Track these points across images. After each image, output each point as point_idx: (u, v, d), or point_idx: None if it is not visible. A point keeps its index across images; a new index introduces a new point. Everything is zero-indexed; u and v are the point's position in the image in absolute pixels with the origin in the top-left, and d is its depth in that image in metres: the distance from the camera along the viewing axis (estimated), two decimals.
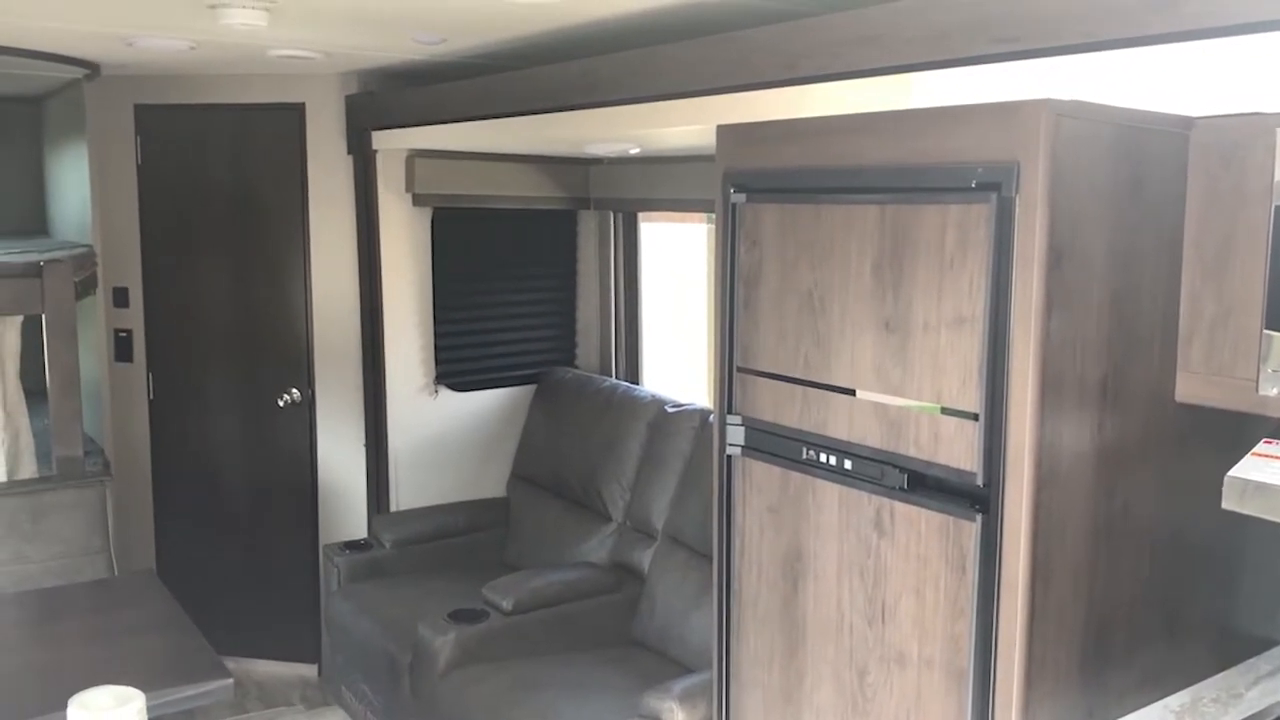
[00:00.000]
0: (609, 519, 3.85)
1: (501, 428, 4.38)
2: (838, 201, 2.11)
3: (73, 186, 4.71)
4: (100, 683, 2.07)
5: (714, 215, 2.42)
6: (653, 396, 3.93)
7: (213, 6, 2.67)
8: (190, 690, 2.54)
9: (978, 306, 1.88)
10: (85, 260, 3.96)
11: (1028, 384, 1.83)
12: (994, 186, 1.83)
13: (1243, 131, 1.88)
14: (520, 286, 4.40)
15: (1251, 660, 2.27)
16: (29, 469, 3.65)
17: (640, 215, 4.50)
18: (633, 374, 4.55)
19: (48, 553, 3.44)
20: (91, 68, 3.84)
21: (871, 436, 2.10)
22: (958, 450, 1.94)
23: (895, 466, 2.05)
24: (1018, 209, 1.81)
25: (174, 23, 2.96)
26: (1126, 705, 2.06)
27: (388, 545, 4.00)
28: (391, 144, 3.91)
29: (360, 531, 4.20)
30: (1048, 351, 1.84)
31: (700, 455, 3.50)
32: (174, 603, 3.09)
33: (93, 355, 4.29)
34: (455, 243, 4.19)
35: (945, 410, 1.96)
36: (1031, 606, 1.89)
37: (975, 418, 1.90)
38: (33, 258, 3.63)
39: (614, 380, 4.32)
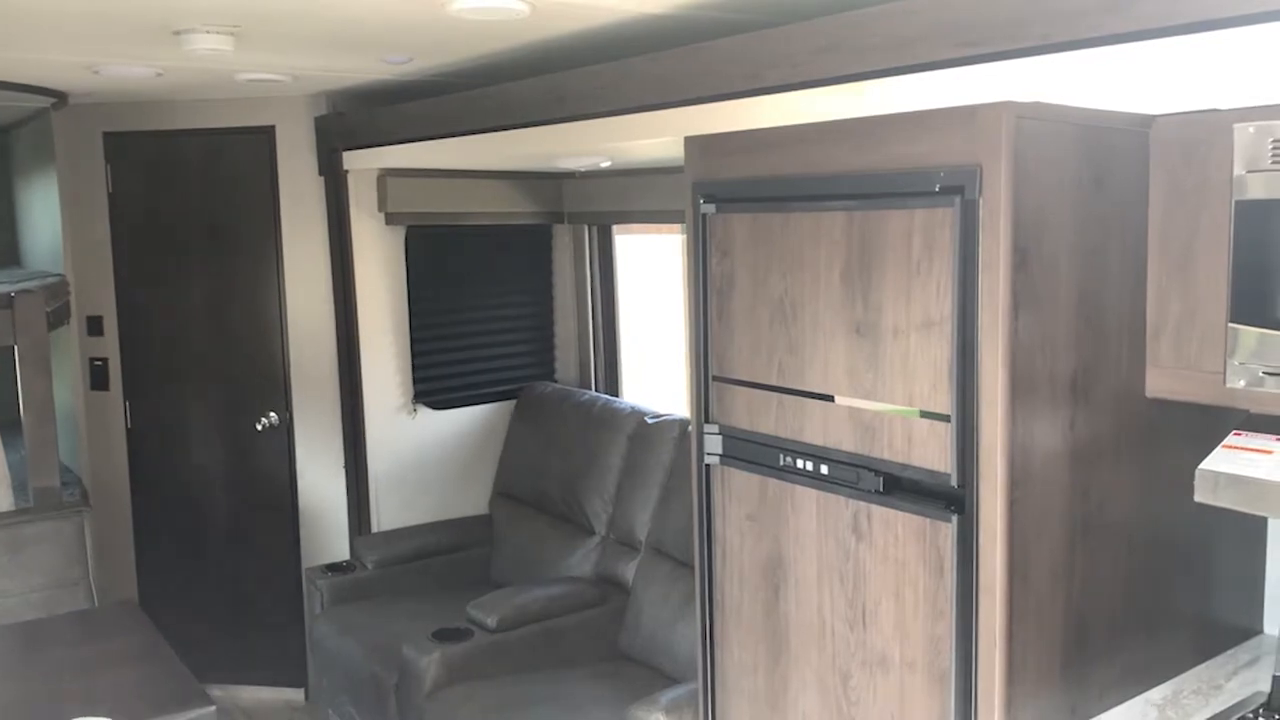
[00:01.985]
0: (592, 532, 3.84)
1: (482, 445, 4.37)
2: (805, 209, 2.13)
3: (43, 216, 4.68)
4: (81, 715, 2.06)
5: (686, 227, 2.44)
6: (632, 408, 3.93)
7: (177, 33, 2.66)
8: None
9: (946, 309, 1.90)
10: (58, 290, 3.94)
11: (998, 384, 1.85)
12: (957, 190, 1.85)
13: (1202, 128, 1.91)
14: (497, 302, 4.40)
15: (1231, 651, 2.28)
16: (5, 501, 3.62)
17: (615, 227, 4.51)
18: (612, 386, 4.56)
19: (26, 585, 3.41)
20: (58, 96, 3.83)
21: (847, 441, 2.11)
22: (931, 452, 1.96)
23: (871, 470, 2.06)
24: (982, 211, 1.83)
25: (139, 50, 2.95)
26: (1108, 700, 2.07)
27: (370, 566, 3.98)
28: (363, 164, 3.91)
29: (342, 553, 4.18)
30: (1016, 351, 1.85)
31: (681, 465, 3.51)
32: (155, 632, 3.07)
33: (68, 385, 4.27)
34: (429, 261, 4.18)
35: (919, 413, 1.97)
36: (1010, 605, 1.90)
37: (947, 419, 1.91)
38: (3, 289, 3.61)
39: (594, 393, 4.33)
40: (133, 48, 2.91)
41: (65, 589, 3.45)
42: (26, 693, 2.76)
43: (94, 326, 4.30)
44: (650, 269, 4.97)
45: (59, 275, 4.22)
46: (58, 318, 3.83)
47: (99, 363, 4.32)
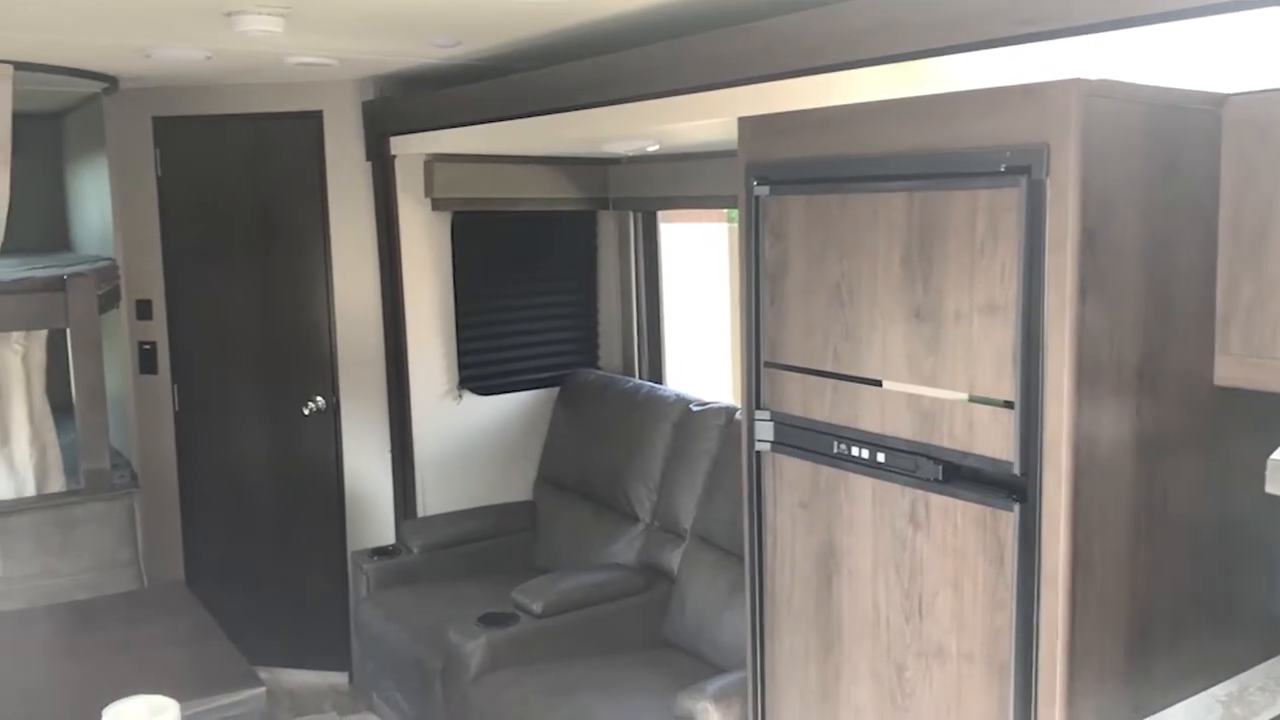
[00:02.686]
0: (636, 520, 3.82)
1: (526, 431, 4.36)
2: (864, 190, 2.09)
3: (93, 201, 4.73)
4: (133, 694, 2.07)
5: (734, 213, 2.40)
6: (677, 396, 3.90)
7: (229, 14, 2.66)
8: (223, 700, 2.54)
9: (1010, 293, 1.85)
10: (108, 274, 3.97)
11: (1063, 370, 1.80)
12: (1024, 169, 1.80)
13: (1278, 107, 1.84)
14: (541, 289, 4.38)
15: None
16: (57, 483, 3.66)
17: (660, 215, 4.47)
18: (656, 374, 4.53)
19: (77, 566, 3.44)
20: (110, 81, 3.86)
21: (904, 428, 2.07)
22: (993, 440, 1.91)
23: (929, 458, 2.02)
24: (1049, 192, 1.78)
25: (191, 32, 2.96)
26: (1172, 695, 2.02)
27: (416, 551, 3.99)
28: (410, 149, 3.90)
29: (388, 538, 4.19)
30: (1083, 337, 1.80)
31: (727, 453, 3.48)
32: (204, 613, 3.09)
33: (117, 368, 4.31)
34: (475, 246, 4.17)
35: (979, 399, 1.93)
36: (1073, 597, 1.86)
37: (1010, 406, 1.87)
38: (56, 272, 3.64)
39: (637, 380, 4.30)
40: (185, 29, 2.92)
41: (116, 570, 3.48)
42: (79, 672, 2.79)
43: (143, 310, 4.33)
44: (694, 258, 4.94)
45: (109, 259, 4.26)
46: (108, 301, 3.86)
47: (148, 346, 4.35)
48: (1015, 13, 1.78)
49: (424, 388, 4.11)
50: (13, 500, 3.50)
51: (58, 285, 3.50)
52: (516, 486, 4.34)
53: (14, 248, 3.60)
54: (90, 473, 3.60)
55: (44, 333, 3.58)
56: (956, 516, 1.99)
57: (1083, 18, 1.70)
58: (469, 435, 4.23)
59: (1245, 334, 1.94)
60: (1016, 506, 1.88)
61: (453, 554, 4.04)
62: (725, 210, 4.53)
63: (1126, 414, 1.90)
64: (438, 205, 4.05)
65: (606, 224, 4.52)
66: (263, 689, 2.60)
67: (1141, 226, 1.87)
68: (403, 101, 3.91)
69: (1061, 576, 1.85)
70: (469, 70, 3.61)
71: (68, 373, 3.60)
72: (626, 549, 3.78)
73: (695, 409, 3.74)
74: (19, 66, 3.33)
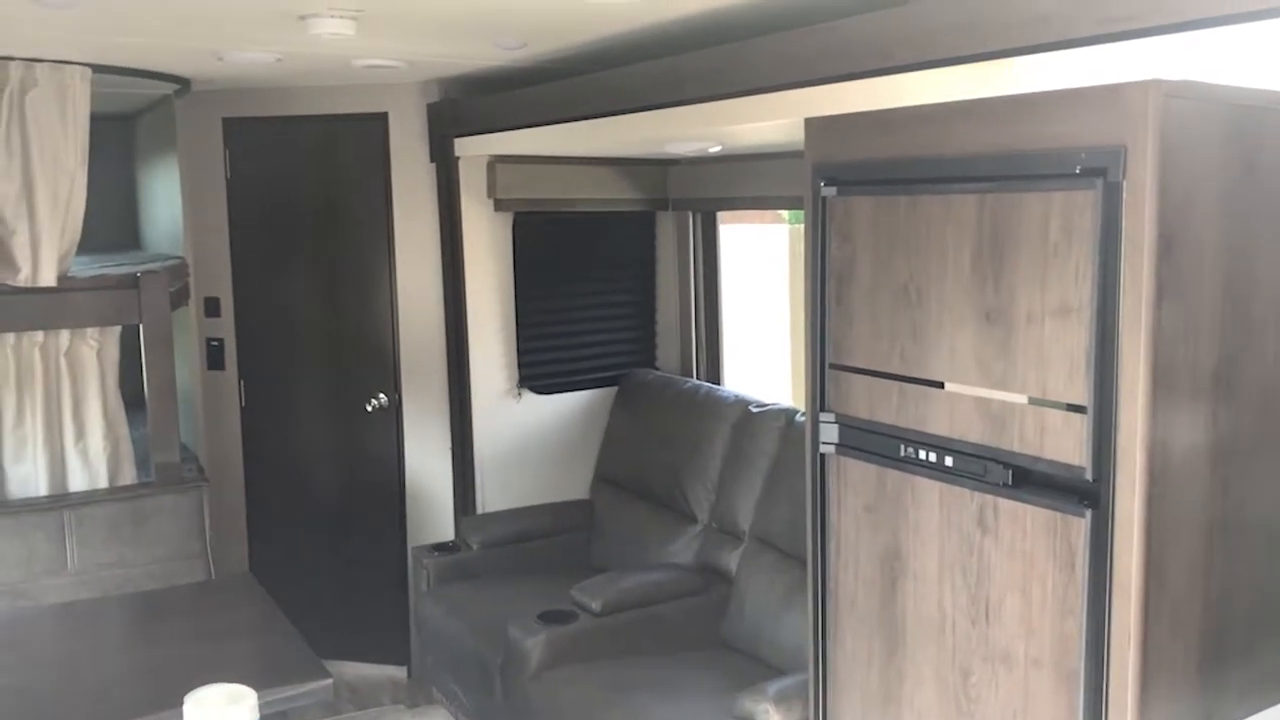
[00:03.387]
0: (694, 520, 3.83)
1: (584, 430, 4.39)
2: (934, 192, 2.08)
3: (164, 200, 4.83)
4: (207, 682, 2.11)
5: (794, 215, 2.40)
6: (736, 397, 3.90)
7: (303, 17, 2.71)
8: (292, 690, 2.59)
9: (1084, 295, 1.83)
10: (178, 271, 4.06)
11: (1139, 375, 1.78)
12: (1099, 172, 1.78)
13: None
14: (600, 289, 4.40)
15: None
16: (129, 475, 3.74)
17: (719, 217, 4.47)
18: (714, 374, 4.53)
19: (148, 556, 3.52)
20: (182, 83, 3.94)
21: (973, 432, 2.06)
22: (1065, 444, 1.89)
23: (999, 462, 2.00)
24: (1125, 194, 1.76)
25: (264, 35, 3.01)
26: (1246, 706, 1.99)
27: (475, 547, 4.03)
28: (473, 150, 3.94)
29: (448, 534, 4.23)
30: (1159, 341, 1.78)
31: (786, 455, 3.47)
32: (272, 604, 3.14)
33: (186, 364, 4.40)
34: (536, 247, 4.21)
35: (1051, 403, 1.91)
36: (1145, 605, 1.83)
37: (1083, 410, 1.85)
38: (128, 270, 3.73)
39: (695, 381, 4.31)
40: (259, 32, 2.97)
41: (185, 561, 3.56)
42: (154, 659, 2.85)
43: (211, 308, 4.42)
44: (753, 259, 4.93)
45: (179, 258, 4.35)
46: (178, 298, 3.94)
47: (215, 343, 4.44)
48: (1093, 12, 1.76)
49: (484, 386, 4.14)
50: (87, 491, 3.59)
51: (131, 283, 3.58)
52: (574, 485, 4.36)
53: (87, 246, 3.69)
54: (161, 466, 3.68)
55: (118, 329, 3.66)
56: (1026, 521, 1.98)
57: (1163, 17, 1.68)
58: (528, 434, 4.26)
59: None
60: (1088, 513, 1.86)
61: (511, 551, 4.07)
62: (784, 212, 4.52)
63: (1202, 420, 1.87)
64: (500, 206, 4.08)
65: (665, 225, 4.53)
66: (330, 680, 2.64)
67: (1220, 230, 1.84)
68: (467, 103, 3.95)
69: (1134, 584, 1.82)
70: (533, 72, 3.64)
71: (140, 368, 3.68)
72: (684, 549, 3.79)
73: (755, 410, 3.74)
74: (96, 69, 3.42)
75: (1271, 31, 1.53)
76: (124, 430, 3.75)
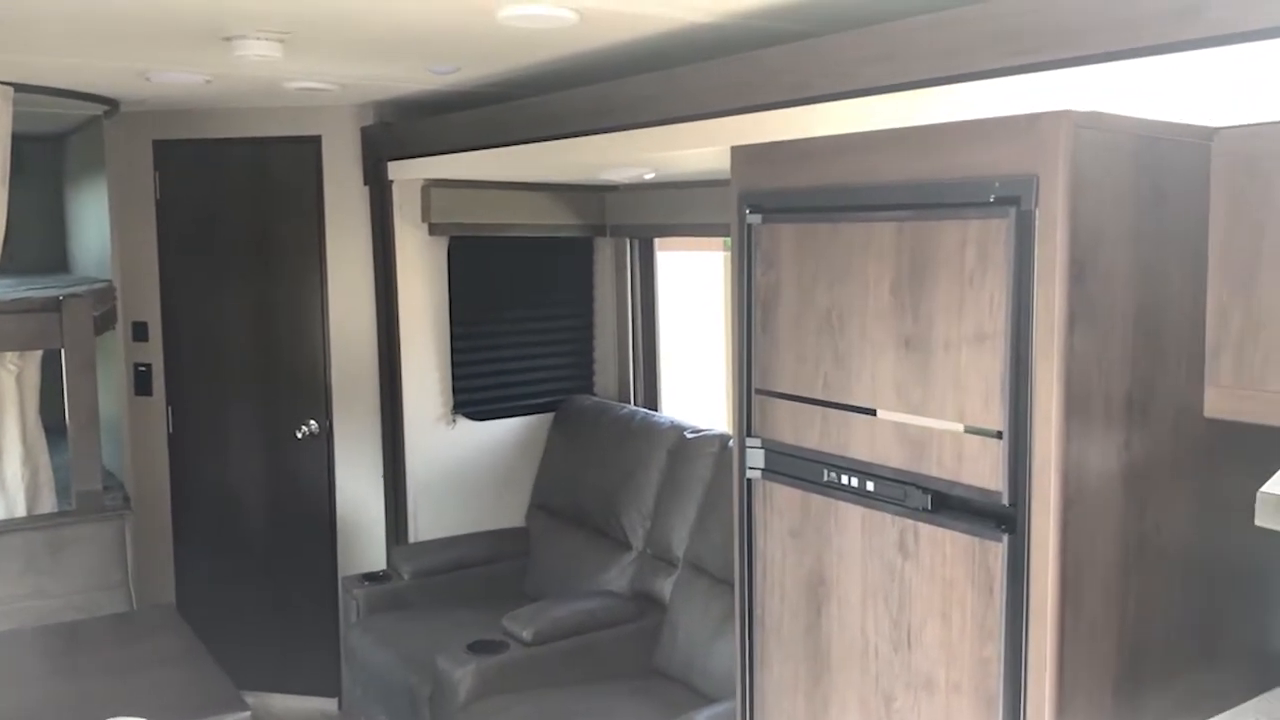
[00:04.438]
0: (629, 547, 3.81)
1: (520, 457, 4.36)
2: (855, 220, 2.10)
3: (92, 222, 4.74)
4: (118, 717, 2.05)
5: (728, 241, 2.41)
6: (672, 423, 3.90)
7: (229, 39, 2.68)
8: None
9: (999, 322, 1.85)
10: (104, 295, 3.98)
11: (1052, 400, 1.80)
12: (1013, 200, 1.81)
13: (1267, 140, 1.86)
14: (537, 314, 4.39)
15: None
16: (48, 503, 3.65)
17: (657, 243, 4.48)
18: (651, 401, 4.53)
19: (67, 587, 3.43)
20: (111, 104, 3.88)
21: (894, 457, 2.07)
22: (982, 469, 1.91)
23: (918, 487, 2.02)
24: (1038, 222, 1.79)
25: (190, 56, 2.97)
26: None
27: (407, 576, 3.97)
28: (407, 174, 3.92)
29: (379, 563, 4.17)
30: (1072, 367, 1.81)
31: (720, 481, 3.47)
32: (193, 636, 3.07)
33: (113, 389, 4.31)
34: (471, 271, 4.18)
35: (968, 429, 1.92)
36: (1062, 628, 1.85)
37: (999, 436, 1.87)
38: (52, 293, 3.65)
39: (632, 407, 4.30)
40: (185, 53, 2.93)
41: (105, 592, 3.47)
42: (65, 693, 2.77)
43: (139, 332, 4.33)
44: (691, 285, 4.94)
45: (106, 281, 4.26)
46: (104, 322, 3.86)
47: (143, 368, 4.35)
48: (1009, 44, 1.79)
49: (418, 412, 4.10)
50: (4, 520, 3.49)
51: (53, 306, 3.50)
52: (509, 513, 4.33)
53: (12, 268, 3.61)
54: (82, 494, 3.59)
55: (39, 353, 3.58)
56: (945, 546, 1.99)
57: (1069, 50, 1.71)
58: (462, 461, 4.22)
59: (1235, 365, 1.94)
60: (1005, 537, 1.87)
61: (444, 580, 4.02)
62: (723, 239, 4.55)
63: (1116, 445, 1.89)
64: (434, 230, 4.06)
65: (603, 250, 4.54)
66: (248, 713, 2.58)
67: (1131, 257, 1.88)
68: (401, 127, 3.93)
69: (1050, 608, 1.84)
70: (467, 96, 3.64)
71: (62, 394, 3.59)
72: (619, 577, 3.77)
73: (689, 436, 3.74)
74: (19, 88, 3.35)
75: (1175, 66, 1.56)
76: (44, 458, 3.66)
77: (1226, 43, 1.51)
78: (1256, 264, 1.88)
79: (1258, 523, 1.78)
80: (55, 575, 3.44)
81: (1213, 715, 2.07)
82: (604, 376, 4.56)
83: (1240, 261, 1.91)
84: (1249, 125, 1.89)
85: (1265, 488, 1.78)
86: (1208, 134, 1.92)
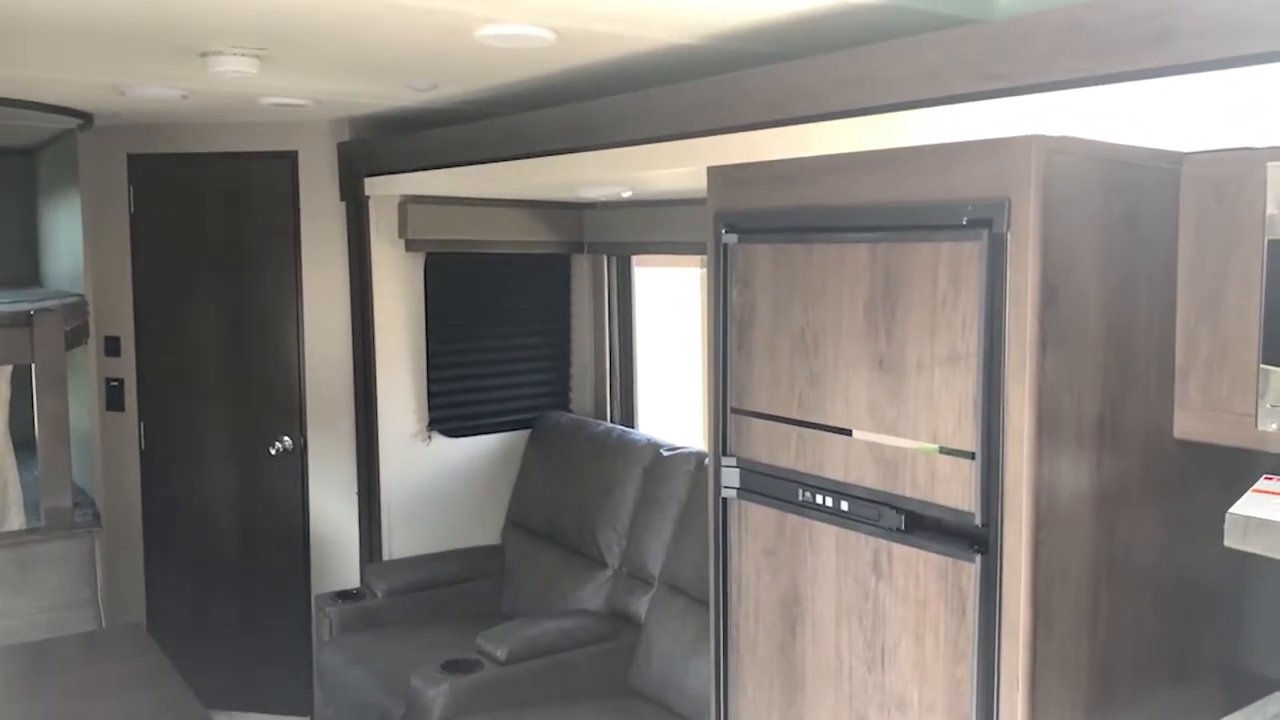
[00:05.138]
0: (605, 565, 3.80)
1: (496, 474, 4.34)
2: (829, 241, 2.11)
3: (65, 236, 4.70)
4: None
5: (707, 258, 2.42)
6: (648, 440, 3.89)
7: (204, 55, 2.67)
8: None
9: (971, 344, 1.87)
10: (76, 309, 3.94)
11: (1024, 421, 1.81)
12: (985, 223, 1.83)
13: (1234, 166, 1.88)
14: (514, 331, 4.38)
15: (1260, 702, 2.21)
16: (16, 520, 3.60)
17: (634, 260, 4.49)
18: (628, 418, 4.52)
19: (35, 605, 3.38)
20: (85, 118, 3.85)
21: (868, 477, 2.08)
22: (955, 490, 1.92)
23: (892, 507, 2.02)
24: (1010, 245, 1.81)
25: (166, 71, 2.96)
26: None
27: (380, 595, 3.95)
28: (384, 190, 3.91)
29: (352, 581, 4.14)
30: (1043, 388, 1.82)
31: (697, 499, 3.47)
32: (161, 656, 3.03)
33: (84, 405, 4.26)
34: (448, 288, 4.18)
35: (942, 449, 1.93)
36: (1034, 648, 1.85)
37: (972, 456, 1.88)
38: (23, 307, 3.61)
39: (609, 424, 4.29)
40: (160, 68, 2.92)
41: (74, 610, 3.42)
42: (31, 715, 2.73)
43: (111, 347, 4.30)
44: (668, 302, 4.95)
45: (79, 295, 4.22)
46: (76, 337, 3.82)
47: (115, 383, 4.31)
48: (981, 69, 1.81)
49: (393, 429, 4.08)
50: None
51: (24, 320, 3.47)
52: (484, 530, 4.31)
53: None
54: (51, 510, 3.55)
55: (8, 368, 3.54)
56: (919, 566, 1.99)
57: (1046, 75, 1.73)
58: (437, 478, 4.20)
59: (1204, 387, 1.97)
60: (978, 557, 1.88)
61: (418, 598, 3.99)
62: (700, 256, 4.56)
63: (1087, 465, 1.91)
64: (411, 246, 4.05)
65: (580, 267, 4.54)
66: None
67: (1101, 280, 1.89)
68: (377, 143, 3.93)
69: (1023, 628, 1.85)
70: (444, 114, 3.64)
71: (32, 408, 3.55)
72: (594, 595, 3.75)
73: (666, 454, 3.74)
74: None
75: (1144, 92, 1.59)
76: (12, 474, 3.61)
77: (1194, 70, 1.53)
78: (1223, 287, 1.91)
79: (1226, 543, 1.80)
80: (23, 593, 3.39)
81: None
82: (581, 393, 4.56)
83: (1208, 285, 1.94)
84: (1216, 151, 1.92)
85: (1233, 509, 1.80)
86: (1177, 159, 1.95)
